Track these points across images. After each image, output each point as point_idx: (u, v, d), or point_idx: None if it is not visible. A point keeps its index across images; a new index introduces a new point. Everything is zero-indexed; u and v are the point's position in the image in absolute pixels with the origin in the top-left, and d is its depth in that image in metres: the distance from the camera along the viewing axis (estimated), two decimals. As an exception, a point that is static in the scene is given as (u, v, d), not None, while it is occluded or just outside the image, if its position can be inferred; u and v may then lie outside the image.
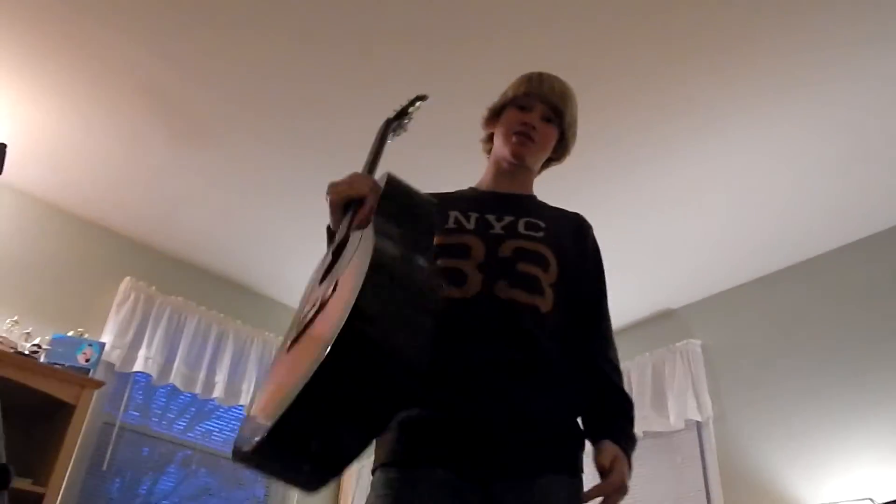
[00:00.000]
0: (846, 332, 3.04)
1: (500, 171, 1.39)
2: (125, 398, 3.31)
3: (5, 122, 2.86)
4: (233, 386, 3.56)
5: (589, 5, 2.21)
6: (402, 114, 1.38)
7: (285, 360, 0.89)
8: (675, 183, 2.93)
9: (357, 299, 0.73)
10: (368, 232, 0.93)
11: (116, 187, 3.23)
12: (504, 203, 1.32)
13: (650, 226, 3.19)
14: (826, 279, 3.22)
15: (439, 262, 1.19)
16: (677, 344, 3.58)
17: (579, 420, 1.20)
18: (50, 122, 2.86)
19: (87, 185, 3.23)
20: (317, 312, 0.86)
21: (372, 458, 1.13)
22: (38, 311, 3.12)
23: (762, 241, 3.24)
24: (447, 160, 2.63)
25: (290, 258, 3.61)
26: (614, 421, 1.18)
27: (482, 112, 1.43)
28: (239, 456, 0.79)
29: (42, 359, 2.78)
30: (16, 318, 2.91)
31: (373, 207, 0.99)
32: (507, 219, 1.28)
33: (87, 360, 2.89)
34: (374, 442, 1.17)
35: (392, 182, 1.04)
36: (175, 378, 3.38)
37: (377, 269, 0.79)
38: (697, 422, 3.38)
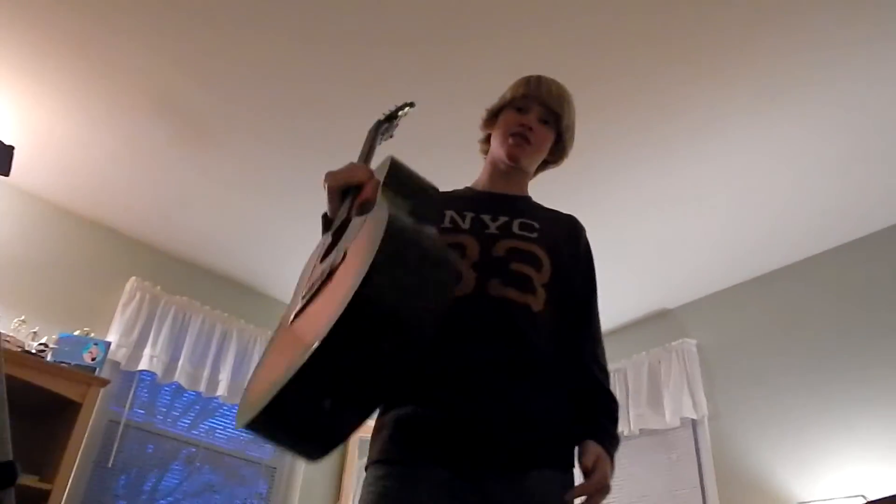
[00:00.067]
0: (838, 332, 3.04)
1: (496, 172, 1.39)
2: (130, 396, 3.30)
3: (13, 126, 2.86)
4: (236, 384, 3.56)
5: (589, 5, 2.19)
6: (392, 117, 1.38)
7: (290, 332, 0.88)
8: (674, 183, 2.91)
9: (375, 257, 0.72)
10: (378, 204, 0.92)
11: (122, 189, 3.23)
12: (499, 203, 1.32)
13: (649, 226, 3.18)
14: (819, 279, 3.21)
15: None
16: (673, 343, 3.58)
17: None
18: (57, 126, 2.86)
19: (94, 187, 3.22)
20: (325, 281, 0.85)
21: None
22: (45, 310, 3.11)
23: (758, 241, 3.23)
24: (447, 160, 2.62)
25: (292, 258, 3.61)
26: (599, 421, 1.18)
27: (482, 112, 1.43)
28: (249, 417, 0.75)
29: (49, 357, 2.77)
30: (23, 317, 2.91)
31: (373, 191, 0.98)
32: (502, 219, 1.28)
33: (93, 359, 2.89)
34: (369, 439, 1.17)
35: (395, 164, 1.05)
36: (180, 376, 3.38)
37: (393, 232, 0.78)
38: (693, 420, 3.38)
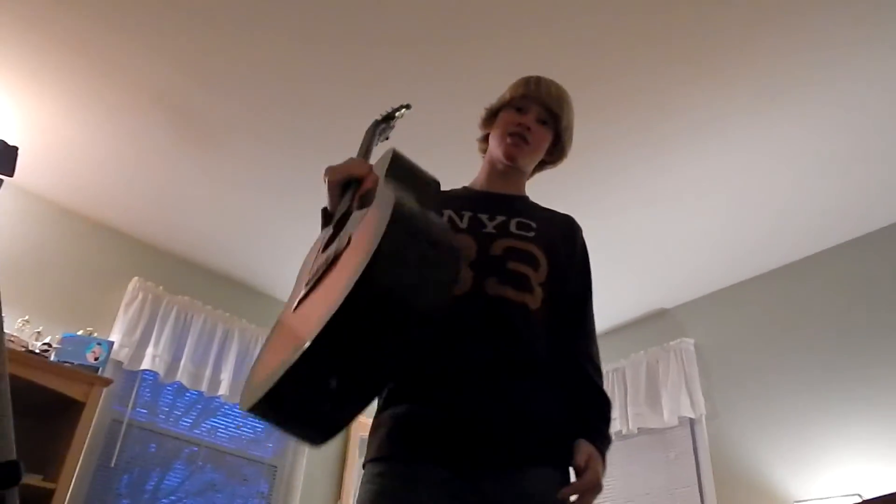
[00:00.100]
0: (835, 331, 3.03)
1: (493, 172, 1.39)
2: (133, 396, 3.30)
3: (17, 127, 2.86)
4: (238, 383, 3.55)
5: (589, 5, 2.18)
6: (389, 118, 1.38)
7: (295, 318, 0.87)
8: (673, 183, 2.90)
9: (383, 237, 0.71)
10: (384, 191, 0.92)
11: (124, 190, 3.23)
12: (497, 203, 1.32)
13: (648, 225, 3.17)
14: (816, 279, 3.21)
15: None
16: (671, 343, 3.58)
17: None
18: (60, 127, 2.85)
19: (97, 188, 3.22)
20: (330, 266, 0.85)
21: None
22: (49, 310, 3.11)
23: (758, 241, 3.22)
24: (447, 160, 2.61)
25: (294, 257, 3.59)
26: (592, 421, 1.18)
27: (481, 112, 1.42)
28: (257, 397, 0.74)
29: (52, 357, 2.77)
30: (27, 317, 2.90)
31: (374, 184, 0.98)
32: (500, 218, 1.28)
33: (96, 359, 2.88)
34: (368, 437, 1.17)
35: (398, 157, 1.05)
36: (182, 376, 3.38)
37: (400, 214, 0.78)
38: (690, 418, 3.38)
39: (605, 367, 4.26)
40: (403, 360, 0.73)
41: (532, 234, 1.27)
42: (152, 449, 3.35)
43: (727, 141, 2.66)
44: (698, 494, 3.21)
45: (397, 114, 1.40)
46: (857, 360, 2.90)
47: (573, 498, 1.07)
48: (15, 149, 1.65)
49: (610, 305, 3.77)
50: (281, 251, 3.59)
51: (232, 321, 3.69)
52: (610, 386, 3.74)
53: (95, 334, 3.04)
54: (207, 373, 3.48)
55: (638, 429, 3.49)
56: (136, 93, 2.66)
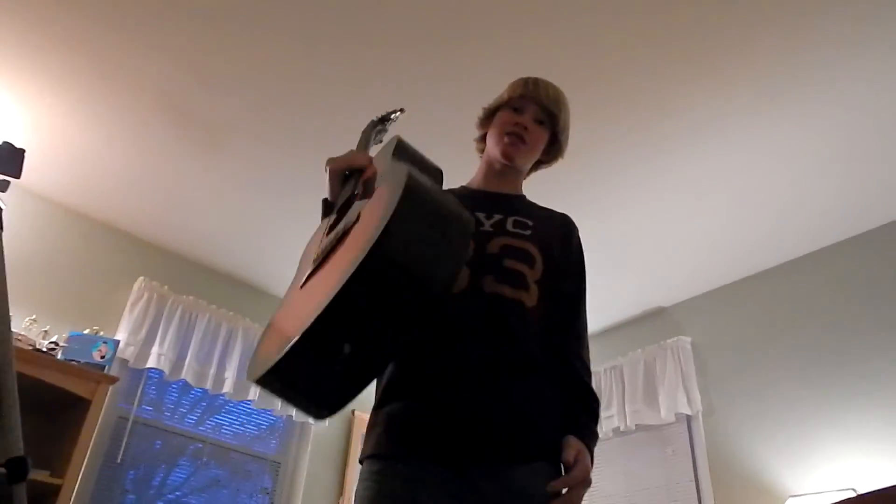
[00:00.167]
0: (828, 328, 3.03)
1: (491, 171, 1.39)
2: (139, 393, 3.30)
3: (26, 129, 2.86)
4: (242, 381, 3.56)
5: (589, 5, 2.17)
6: (385, 119, 1.39)
7: (303, 293, 0.86)
8: (673, 183, 2.89)
9: (398, 204, 0.71)
10: (395, 166, 0.91)
11: (130, 191, 3.23)
12: (494, 202, 1.32)
13: (648, 225, 3.16)
14: (810, 277, 3.21)
15: None
16: (668, 341, 3.58)
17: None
18: (67, 129, 2.85)
19: (103, 189, 3.22)
20: (339, 242, 0.84)
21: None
22: (56, 309, 3.11)
23: (757, 240, 3.21)
24: (447, 160, 2.61)
25: (296, 257, 3.59)
26: (581, 418, 1.18)
27: (479, 112, 1.43)
28: (266, 366, 0.73)
29: (59, 356, 2.77)
30: (34, 316, 2.91)
31: (374, 174, 0.98)
32: (496, 217, 1.28)
33: (103, 357, 2.89)
34: (364, 433, 1.17)
35: (402, 144, 1.06)
36: (187, 374, 3.38)
37: (415, 183, 0.77)
38: (687, 415, 3.38)
39: (604, 364, 4.26)
40: (418, 330, 0.73)
41: (528, 232, 1.26)
42: (157, 445, 3.36)
43: (727, 141, 2.65)
44: (695, 490, 3.21)
45: (393, 116, 1.40)
46: (851, 356, 2.90)
47: (564, 491, 1.07)
48: (22, 151, 1.65)
49: (608, 304, 3.77)
50: (283, 250, 3.60)
51: (236, 320, 3.69)
52: (608, 383, 3.74)
53: (102, 333, 3.05)
54: (212, 371, 3.48)
55: (636, 425, 3.49)
56: (138, 93, 2.65)
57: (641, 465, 3.46)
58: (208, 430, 3.55)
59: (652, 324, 3.82)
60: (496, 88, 1.42)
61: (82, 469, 2.67)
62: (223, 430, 3.61)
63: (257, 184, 3.13)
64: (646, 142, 2.69)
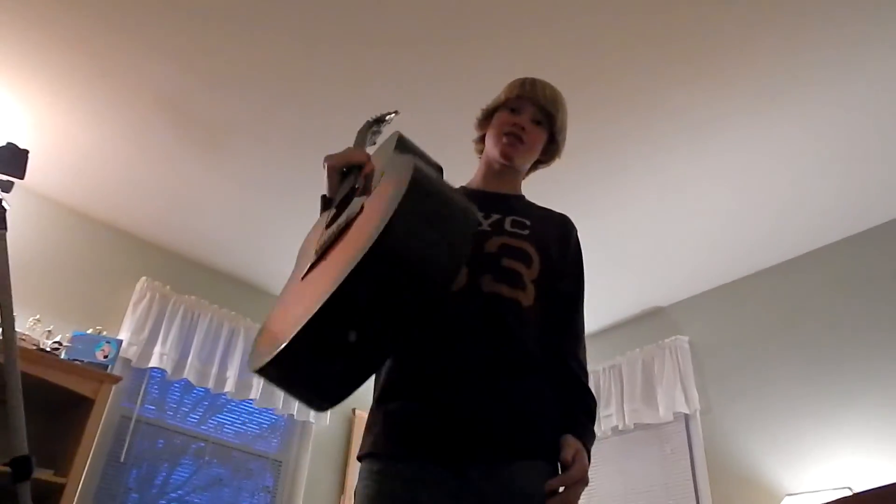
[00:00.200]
0: (826, 328, 3.04)
1: (489, 171, 1.39)
2: (141, 393, 3.31)
3: (29, 131, 2.86)
4: (244, 380, 3.56)
5: (589, 5, 2.16)
6: (380, 121, 1.39)
7: (305, 284, 0.86)
8: (672, 182, 2.88)
9: (405, 194, 0.71)
10: (399, 158, 0.91)
11: (132, 191, 3.23)
12: (492, 201, 1.32)
13: (647, 225, 3.16)
14: (807, 277, 3.21)
15: None
16: (666, 340, 3.58)
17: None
18: (69, 128, 2.86)
19: (105, 190, 3.23)
20: (341, 234, 0.84)
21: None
22: (59, 309, 3.12)
23: (756, 240, 3.21)
24: (446, 159, 2.61)
25: (296, 256, 3.61)
26: (578, 417, 1.18)
27: (478, 113, 1.43)
28: (269, 356, 0.72)
29: (63, 355, 2.77)
30: (38, 316, 2.91)
31: (372, 170, 0.99)
32: (495, 216, 1.28)
33: (106, 357, 2.89)
34: (364, 430, 1.17)
35: (403, 139, 1.07)
36: (189, 373, 3.38)
37: (421, 174, 0.77)
38: (685, 414, 3.38)
39: (602, 363, 4.26)
40: (421, 321, 0.72)
41: (526, 231, 1.27)
42: (160, 444, 3.36)
43: (727, 141, 2.64)
44: (693, 488, 3.21)
45: (387, 117, 1.41)
46: (848, 355, 2.90)
47: (561, 489, 1.07)
48: (25, 152, 1.66)
49: (607, 304, 3.77)
50: (285, 250, 3.59)
51: (237, 320, 3.69)
52: (607, 382, 3.74)
53: (105, 333, 3.05)
54: (214, 370, 3.48)
55: (634, 424, 3.50)
56: (139, 92, 2.65)
57: (639, 464, 3.47)
58: (210, 429, 3.56)
59: (650, 323, 3.82)
60: (496, 89, 1.42)
61: (86, 468, 2.68)
62: (225, 429, 3.61)
63: (258, 184, 3.13)
64: (645, 141, 2.68)
